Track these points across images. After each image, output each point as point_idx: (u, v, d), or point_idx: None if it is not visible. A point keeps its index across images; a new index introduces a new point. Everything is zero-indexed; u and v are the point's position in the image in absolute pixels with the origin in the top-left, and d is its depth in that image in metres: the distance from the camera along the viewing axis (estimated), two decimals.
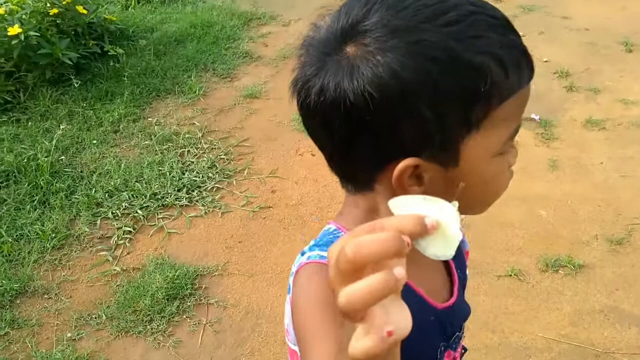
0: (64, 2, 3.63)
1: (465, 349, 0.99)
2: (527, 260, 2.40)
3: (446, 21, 0.60)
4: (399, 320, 0.44)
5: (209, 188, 2.86)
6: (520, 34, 0.65)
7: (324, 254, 0.69)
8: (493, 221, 2.56)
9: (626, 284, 2.29)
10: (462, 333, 0.87)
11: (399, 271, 0.41)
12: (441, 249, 0.46)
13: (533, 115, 3.24)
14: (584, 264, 2.37)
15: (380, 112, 0.61)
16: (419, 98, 0.60)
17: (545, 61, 3.74)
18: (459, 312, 0.84)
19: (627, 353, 2.04)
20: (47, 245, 2.53)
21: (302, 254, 0.75)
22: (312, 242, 0.77)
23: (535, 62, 0.66)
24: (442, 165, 0.66)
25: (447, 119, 0.62)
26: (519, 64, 0.64)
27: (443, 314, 0.79)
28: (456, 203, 0.48)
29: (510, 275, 2.33)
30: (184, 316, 2.23)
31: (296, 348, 0.75)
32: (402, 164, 0.64)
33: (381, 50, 0.60)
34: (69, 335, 2.17)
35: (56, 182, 2.83)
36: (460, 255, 0.88)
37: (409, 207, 0.47)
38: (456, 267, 0.85)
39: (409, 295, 0.74)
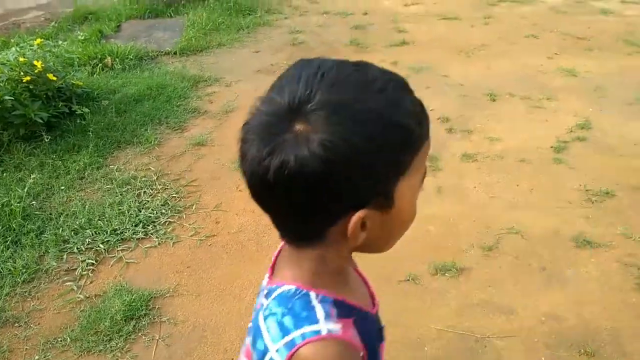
0: (36, 71, 3.46)
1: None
2: (420, 267, 2.44)
3: (377, 89, 0.59)
4: None
5: (162, 222, 2.76)
6: (413, 88, 0.66)
7: (317, 327, 0.62)
8: None
9: (496, 281, 2.36)
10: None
11: None
12: None
13: None
14: (464, 267, 2.43)
15: (337, 173, 0.58)
16: (369, 155, 0.58)
17: (431, 110, 3.84)
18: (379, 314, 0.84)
19: (499, 336, 2.09)
20: (18, 279, 2.36)
21: (282, 330, 0.63)
22: (281, 312, 0.65)
23: None
24: (381, 210, 0.63)
25: (390, 168, 0.61)
26: (426, 117, 0.65)
27: (376, 318, 0.80)
28: None
29: (408, 280, 2.36)
30: (140, 334, 2.12)
31: None
32: (355, 217, 0.61)
33: (330, 123, 0.57)
34: (36, 358, 2.01)
35: (27, 224, 2.66)
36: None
37: None
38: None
39: (367, 318, 0.72)
